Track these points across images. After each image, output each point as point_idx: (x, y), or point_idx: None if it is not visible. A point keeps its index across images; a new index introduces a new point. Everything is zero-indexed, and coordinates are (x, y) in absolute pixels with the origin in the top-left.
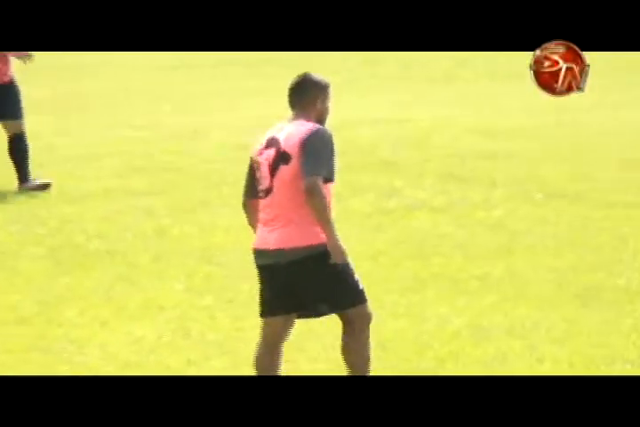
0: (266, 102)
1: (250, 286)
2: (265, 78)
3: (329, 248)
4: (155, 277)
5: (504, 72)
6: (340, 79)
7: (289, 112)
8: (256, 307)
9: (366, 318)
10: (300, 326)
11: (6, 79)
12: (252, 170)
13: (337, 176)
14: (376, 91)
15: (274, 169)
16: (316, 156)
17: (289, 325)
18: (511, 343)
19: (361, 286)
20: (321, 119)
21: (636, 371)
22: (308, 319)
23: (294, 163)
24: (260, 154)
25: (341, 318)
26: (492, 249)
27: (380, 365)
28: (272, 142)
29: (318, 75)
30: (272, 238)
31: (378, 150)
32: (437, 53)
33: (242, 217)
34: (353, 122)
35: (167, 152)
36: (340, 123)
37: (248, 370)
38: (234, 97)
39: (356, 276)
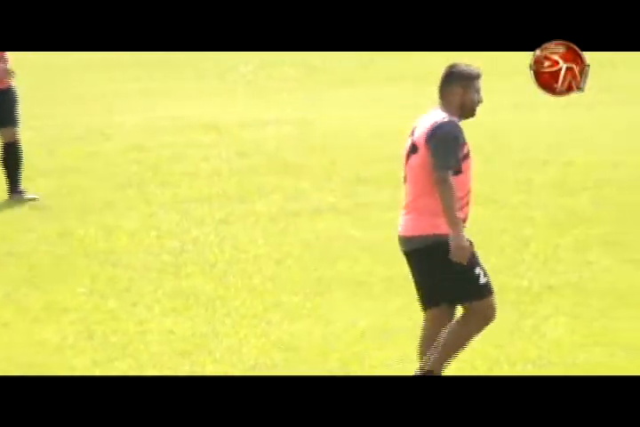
0: (167, 103)
1: (154, 288)
2: (166, 80)
3: (451, 241)
4: (58, 279)
5: (408, 74)
6: (244, 80)
7: (190, 112)
8: (159, 309)
9: (480, 315)
10: (204, 328)
11: (4, 85)
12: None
13: (245, 178)
14: (279, 93)
15: (408, 158)
16: (444, 148)
17: (442, 317)
18: (416, 346)
19: (482, 281)
20: (464, 110)
21: (538, 371)
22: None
23: (421, 153)
24: (408, 139)
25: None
26: (398, 252)
27: (285, 366)
28: (413, 131)
29: (468, 65)
30: (403, 226)
31: (283, 153)
32: (340, 55)
33: (147, 219)
34: (257, 124)
35: (72, 154)
36: (243, 124)
37: (152, 371)
38: (137, 98)
39: (479, 269)
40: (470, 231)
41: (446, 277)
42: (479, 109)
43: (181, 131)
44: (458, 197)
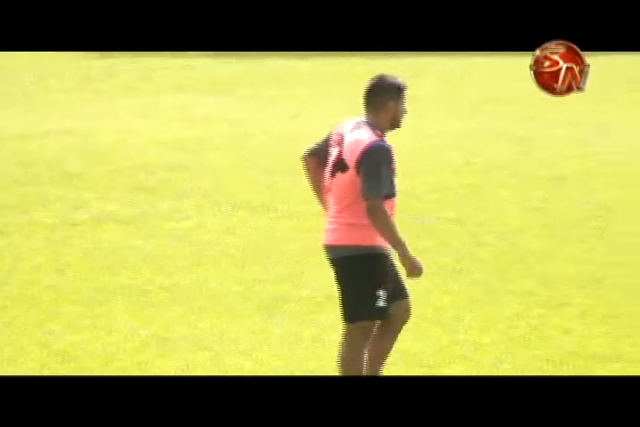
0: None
1: None
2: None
3: (401, 263)
4: None
5: (189, 84)
6: (22, 91)
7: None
8: None
9: (364, 335)
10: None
11: None
12: (328, 141)
13: (26, 188)
14: (58, 103)
15: (333, 173)
16: (376, 174)
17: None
18: (197, 355)
19: (381, 304)
20: (394, 122)
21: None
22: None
23: (350, 173)
24: (333, 146)
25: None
26: (180, 261)
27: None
28: (339, 142)
29: (394, 77)
30: (329, 235)
31: (64, 163)
32: (120, 64)
33: None
34: (37, 134)
35: None
36: (23, 135)
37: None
38: None
39: (383, 292)
40: (255, 240)
41: (351, 293)
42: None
43: None
44: (391, 215)
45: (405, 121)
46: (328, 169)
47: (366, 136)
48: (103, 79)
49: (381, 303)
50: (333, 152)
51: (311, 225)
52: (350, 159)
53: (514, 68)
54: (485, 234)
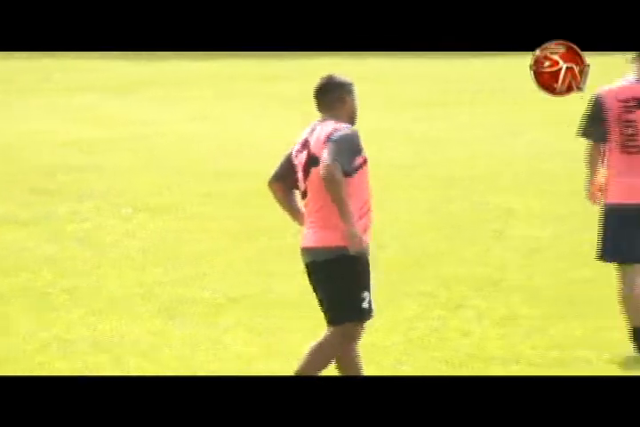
0: None
1: None
2: None
3: (346, 236)
4: None
5: (93, 85)
6: None
7: None
8: None
9: (345, 337)
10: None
11: None
12: (290, 160)
13: None
14: None
15: (306, 172)
16: (337, 148)
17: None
18: (98, 357)
19: (365, 305)
20: (353, 117)
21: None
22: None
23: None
24: (296, 156)
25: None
26: (81, 263)
27: None
28: (305, 145)
29: (341, 75)
30: (305, 238)
31: None
32: (17, 65)
33: None
34: None
35: None
36: None
37: None
38: None
39: (366, 293)
40: (156, 242)
41: (335, 294)
42: None
43: None
44: (348, 192)
45: (305, 123)
46: (300, 174)
47: (331, 125)
48: (5, 79)
49: (366, 305)
50: (301, 157)
51: (211, 227)
52: (318, 149)
53: (426, 70)
54: (384, 236)
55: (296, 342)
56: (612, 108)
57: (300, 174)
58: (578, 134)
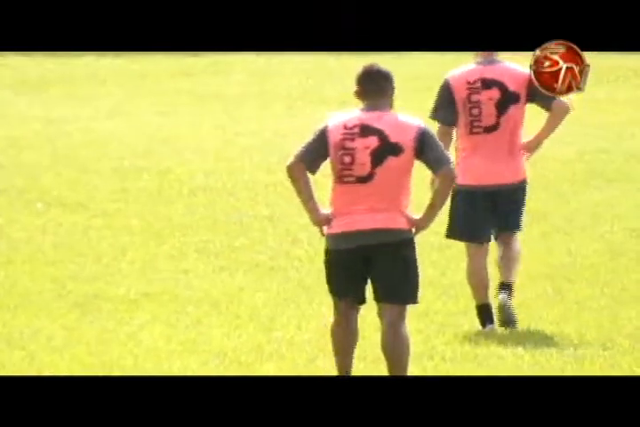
0: None
1: None
2: None
3: (419, 225)
4: None
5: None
6: None
7: None
8: None
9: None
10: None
11: None
12: (325, 145)
13: None
14: None
15: (378, 158)
16: (440, 145)
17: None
18: (11, 353)
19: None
20: (392, 107)
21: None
22: None
23: (407, 155)
24: (352, 140)
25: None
26: None
27: None
28: (369, 131)
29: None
30: (375, 220)
31: None
32: None
33: None
34: None
35: None
36: None
37: None
38: None
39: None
40: (69, 238)
41: (410, 275)
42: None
43: None
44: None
45: (217, 119)
46: (361, 158)
47: (410, 119)
48: None
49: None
50: (366, 142)
51: (125, 223)
52: (405, 141)
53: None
54: (300, 232)
55: (215, 338)
56: (461, 91)
57: (359, 158)
58: (430, 117)
